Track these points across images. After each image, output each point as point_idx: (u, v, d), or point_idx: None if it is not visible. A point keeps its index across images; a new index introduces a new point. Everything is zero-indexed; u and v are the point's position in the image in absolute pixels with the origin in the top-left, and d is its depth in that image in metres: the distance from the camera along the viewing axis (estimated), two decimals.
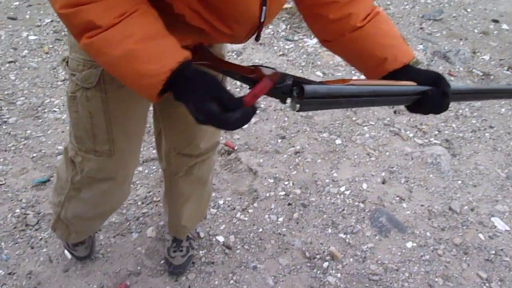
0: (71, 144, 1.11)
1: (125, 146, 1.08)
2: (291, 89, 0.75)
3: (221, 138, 2.08)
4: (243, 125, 0.72)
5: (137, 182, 1.81)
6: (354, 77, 2.40)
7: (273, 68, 0.80)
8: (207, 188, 1.43)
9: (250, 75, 0.82)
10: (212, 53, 0.93)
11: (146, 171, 1.88)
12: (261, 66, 0.83)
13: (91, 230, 1.44)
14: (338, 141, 2.15)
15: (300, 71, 2.64)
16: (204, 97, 0.69)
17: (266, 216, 1.74)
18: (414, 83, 0.86)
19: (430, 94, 0.85)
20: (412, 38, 3.26)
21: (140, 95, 0.76)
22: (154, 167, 1.87)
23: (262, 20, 0.83)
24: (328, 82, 0.78)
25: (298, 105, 0.72)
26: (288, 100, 0.77)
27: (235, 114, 0.69)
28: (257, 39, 0.92)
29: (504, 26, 3.82)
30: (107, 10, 0.69)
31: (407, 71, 0.89)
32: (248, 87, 0.78)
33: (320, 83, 0.77)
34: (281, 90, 0.76)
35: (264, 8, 0.80)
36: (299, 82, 0.74)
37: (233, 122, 0.69)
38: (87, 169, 1.10)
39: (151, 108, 1.21)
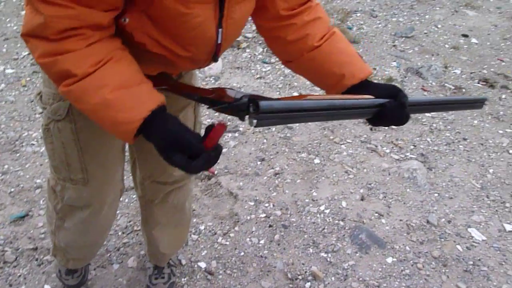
0: (51, 173, 1.15)
1: (99, 175, 1.11)
2: (248, 106, 0.78)
3: None
4: (209, 167, 0.77)
5: (118, 212, 1.80)
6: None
7: (231, 88, 0.85)
8: (184, 215, 1.44)
9: (209, 95, 0.86)
10: (173, 78, 0.98)
11: (126, 200, 1.88)
12: (222, 87, 0.87)
13: (87, 257, 1.44)
14: (317, 161, 2.19)
15: (278, 93, 2.70)
16: (169, 149, 0.75)
17: (248, 239, 1.76)
18: (372, 97, 0.89)
19: (388, 106, 0.88)
20: (385, 55, 3.37)
21: (118, 138, 0.81)
22: (134, 196, 1.88)
23: (219, 42, 0.87)
24: (286, 98, 0.82)
25: (255, 121, 0.75)
26: (246, 117, 0.81)
27: (198, 161, 0.74)
28: (214, 59, 0.95)
29: (474, 40, 3.97)
30: (83, 59, 0.74)
31: (365, 86, 0.94)
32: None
33: (277, 99, 0.81)
34: (238, 107, 0.80)
35: (220, 30, 0.85)
36: (255, 99, 0.77)
37: (197, 168, 0.75)
38: (67, 197, 1.14)
39: None
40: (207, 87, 0.98)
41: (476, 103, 1.09)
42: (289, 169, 2.12)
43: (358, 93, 0.92)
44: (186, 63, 0.92)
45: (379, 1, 4.44)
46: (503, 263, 1.78)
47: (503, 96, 3.08)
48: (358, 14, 4.02)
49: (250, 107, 0.78)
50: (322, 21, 0.98)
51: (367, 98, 0.89)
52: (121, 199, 1.86)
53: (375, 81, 1.02)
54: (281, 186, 2.02)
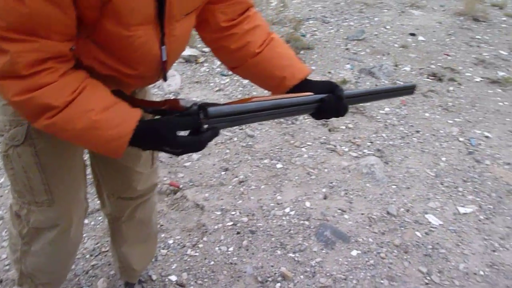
0: (14, 199, 1.15)
1: (64, 194, 1.12)
2: (198, 113, 0.84)
3: (165, 178, 2.13)
4: (215, 136, 0.85)
5: (84, 235, 1.80)
6: None
7: (182, 98, 0.90)
8: (152, 229, 1.47)
9: (162, 107, 0.92)
10: (125, 94, 1.02)
11: (93, 223, 1.88)
12: (173, 98, 0.92)
13: (57, 281, 1.42)
14: (279, 165, 2.26)
15: None
16: (171, 137, 0.81)
17: (217, 248, 1.79)
18: (312, 93, 0.97)
19: (327, 100, 0.96)
20: (339, 59, 3.50)
21: (107, 155, 0.84)
22: (100, 218, 1.88)
23: (164, 59, 0.92)
24: (234, 102, 0.88)
25: (206, 126, 0.81)
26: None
27: (206, 134, 0.83)
28: (164, 79, 1.01)
29: (421, 38, 4.19)
30: (60, 91, 0.77)
31: (305, 85, 1.02)
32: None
33: (225, 104, 0.87)
34: (189, 114, 0.86)
35: (163, 47, 0.90)
36: (204, 106, 0.83)
37: (207, 138, 0.83)
38: (33, 220, 1.14)
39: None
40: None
41: (406, 90, 1.18)
42: (253, 176, 2.18)
43: (299, 92, 0.99)
44: (137, 80, 0.97)
45: (330, 8, 4.63)
46: (460, 244, 1.89)
47: (451, 88, 3.27)
48: (311, 22, 4.17)
49: (200, 114, 0.83)
50: (261, 28, 1.06)
51: (307, 95, 0.97)
52: (87, 221, 1.87)
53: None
54: (246, 193, 2.07)
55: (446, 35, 4.35)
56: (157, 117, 0.89)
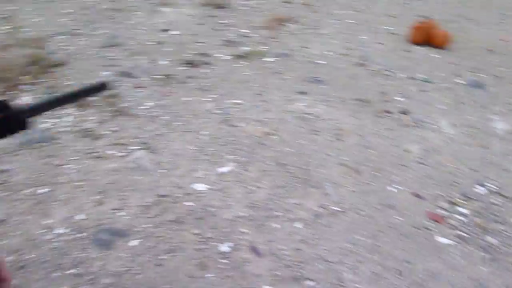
0: None
1: None
2: None
3: None
4: None
5: None
6: None
7: None
8: None
9: None
10: None
11: None
12: None
13: None
14: (44, 190, 2.15)
15: None
16: None
17: None
18: None
19: None
20: (95, 68, 3.48)
21: None
22: None
23: None
24: None
25: None
26: None
27: None
28: None
29: (174, 32, 4.51)
30: None
31: None
32: None
33: None
34: None
35: None
36: None
37: None
38: None
39: None
40: None
41: (97, 89, 1.28)
42: (15, 211, 2.02)
43: None
44: None
45: (79, 19, 4.52)
46: (225, 198, 2.18)
47: (205, 71, 3.66)
48: (60, 37, 4.00)
49: None
50: None
51: None
52: None
53: None
54: (9, 231, 1.91)
55: (196, 25, 4.80)
56: None
